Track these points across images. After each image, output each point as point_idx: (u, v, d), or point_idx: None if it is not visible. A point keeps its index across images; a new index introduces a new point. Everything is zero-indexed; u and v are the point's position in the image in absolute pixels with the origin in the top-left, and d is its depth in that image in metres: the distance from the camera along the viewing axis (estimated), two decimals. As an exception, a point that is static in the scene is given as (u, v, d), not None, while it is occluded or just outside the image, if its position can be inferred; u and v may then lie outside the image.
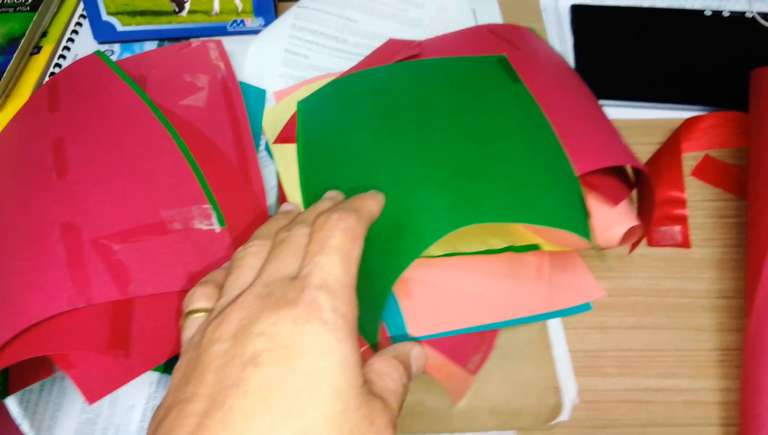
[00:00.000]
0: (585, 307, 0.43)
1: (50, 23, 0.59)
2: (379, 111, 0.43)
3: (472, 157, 0.35)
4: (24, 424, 0.38)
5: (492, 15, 0.62)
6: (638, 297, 0.44)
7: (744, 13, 0.60)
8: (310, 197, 0.41)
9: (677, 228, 0.47)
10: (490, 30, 0.55)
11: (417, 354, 0.32)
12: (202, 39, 0.57)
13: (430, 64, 0.48)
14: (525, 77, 0.45)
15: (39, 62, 0.57)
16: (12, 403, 0.38)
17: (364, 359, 0.33)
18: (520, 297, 0.40)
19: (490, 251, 0.39)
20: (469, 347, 0.38)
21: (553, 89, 0.46)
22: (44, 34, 0.59)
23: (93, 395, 0.30)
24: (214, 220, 0.40)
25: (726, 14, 0.60)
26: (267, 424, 0.24)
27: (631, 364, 0.42)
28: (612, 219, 0.36)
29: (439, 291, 0.37)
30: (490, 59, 0.48)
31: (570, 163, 0.35)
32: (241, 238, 0.41)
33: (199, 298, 0.30)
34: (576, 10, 0.61)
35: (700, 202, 0.49)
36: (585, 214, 0.33)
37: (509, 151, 0.36)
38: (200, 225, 0.39)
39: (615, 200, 0.36)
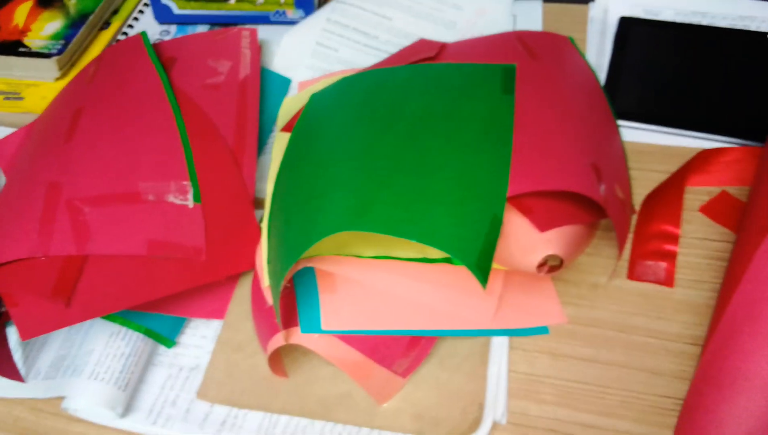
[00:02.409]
0: (542, 330, 0.43)
1: (123, 2, 0.66)
2: (359, 112, 0.44)
3: (400, 166, 0.36)
4: (17, 354, 0.44)
5: (533, 22, 0.60)
6: (600, 329, 0.42)
7: (816, 39, 0.55)
8: (277, 187, 0.43)
9: (662, 264, 0.44)
10: (518, 37, 0.54)
11: None
12: (246, 26, 0.61)
13: (430, 69, 0.49)
14: (525, 90, 0.45)
15: (106, 36, 0.63)
16: (11, 334, 0.44)
17: (270, 330, 0.34)
18: (461, 309, 0.40)
19: (426, 260, 0.39)
20: (394, 350, 0.39)
21: (547, 105, 0.45)
22: (116, 11, 0.65)
23: (27, 333, 0.35)
24: (190, 196, 0.43)
25: (794, 39, 0.55)
26: None
27: (571, 395, 0.40)
28: (534, 244, 0.35)
29: (366, 291, 0.38)
30: (496, 68, 0.48)
31: (501, 185, 0.35)
32: (217, 214, 0.45)
33: None
34: (624, 22, 0.58)
35: (699, 241, 0.45)
36: (479, 237, 0.32)
37: (441, 164, 0.36)
38: (174, 199, 0.43)
39: (545, 226, 0.35)
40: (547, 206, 0.36)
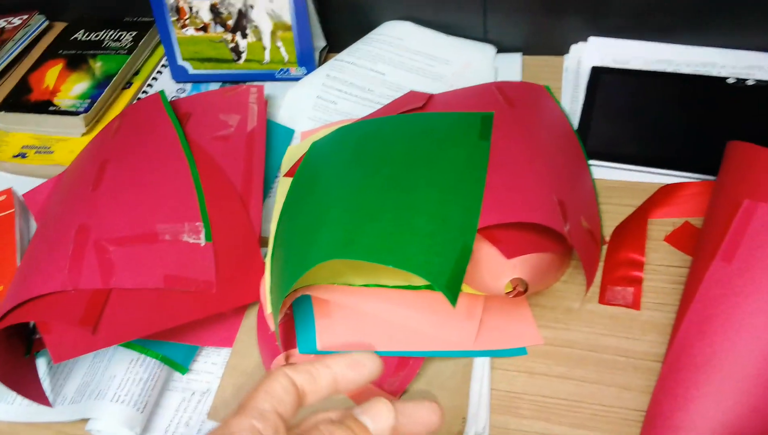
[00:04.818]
0: (520, 351, 0.47)
1: (143, 64, 0.73)
2: (352, 157, 0.50)
3: (384, 204, 0.41)
4: (45, 382, 0.49)
5: (513, 73, 0.66)
6: (574, 349, 0.46)
7: (771, 82, 0.60)
8: (279, 226, 0.49)
9: (630, 289, 0.48)
10: (498, 87, 0.59)
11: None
12: (254, 84, 0.68)
13: (417, 118, 0.54)
14: (501, 134, 0.50)
15: (128, 95, 0.70)
16: (41, 364, 0.49)
17: (273, 354, 0.39)
18: (445, 332, 0.45)
19: (412, 287, 0.44)
20: (385, 370, 0.43)
21: (520, 147, 0.50)
22: (137, 72, 0.72)
23: (59, 356, 0.40)
24: (202, 236, 0.49)
25: (751, 82, 0.60)
26: None
27: (548, 410, 0.44)
28: (502, 269, 0.40)
29: (357, 315, 0.43)
30: (476, 116, 0.53)
31: (472, 218, 0.40)
32: (226, 251, 0.50)
33: None
34: (595, 71, 0.64)
35: (664, 267, 0.50)
36: (449, 263, 0.37)
37: (420, 202, 0.41)
38: (188, 238, 0.48)
39: (511, 254, 0.40)
40: (514, 237, 0.41)
